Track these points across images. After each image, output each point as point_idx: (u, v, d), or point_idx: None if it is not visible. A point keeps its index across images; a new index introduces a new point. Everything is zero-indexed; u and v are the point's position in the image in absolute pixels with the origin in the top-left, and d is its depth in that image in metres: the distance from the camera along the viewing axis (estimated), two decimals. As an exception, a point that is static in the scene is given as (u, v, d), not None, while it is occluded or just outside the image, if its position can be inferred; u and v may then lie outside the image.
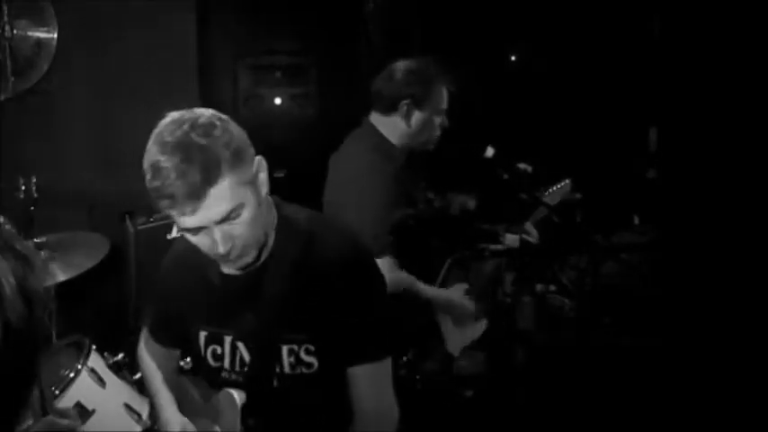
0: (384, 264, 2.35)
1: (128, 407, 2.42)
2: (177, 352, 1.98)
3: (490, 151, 2.97)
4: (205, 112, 1.50)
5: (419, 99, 2.54)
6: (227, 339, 1.70)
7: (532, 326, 4.22)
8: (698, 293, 3.96)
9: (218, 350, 1.72)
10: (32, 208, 3.05)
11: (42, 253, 2.66)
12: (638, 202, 4.60)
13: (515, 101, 4.82)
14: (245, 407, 1.66)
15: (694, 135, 4.09)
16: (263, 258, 1.63)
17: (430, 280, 2.74)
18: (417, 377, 2.52)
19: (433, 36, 4.87)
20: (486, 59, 4.90)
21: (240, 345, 1.70)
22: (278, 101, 4.84)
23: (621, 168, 4.67)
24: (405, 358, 2.52)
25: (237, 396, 1.66)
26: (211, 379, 1.76)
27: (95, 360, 2.47)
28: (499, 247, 2.96)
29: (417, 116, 2.55)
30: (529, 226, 2.96)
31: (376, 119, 2.58)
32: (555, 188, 2.98)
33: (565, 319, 4.31)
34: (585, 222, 4.21)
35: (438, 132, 2.62)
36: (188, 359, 2.06)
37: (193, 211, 1.45)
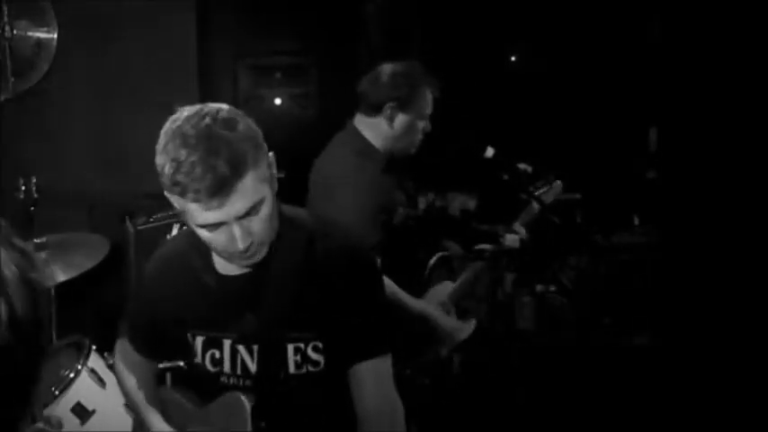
0: None
1: (128, 407, 2.41)
2: (155, 363, 1.93)
3: (490, 151, 2.96)
4: (223, 106, 1.48)
5: (404, 102, 2.54)
6: (227, 343, 1.67)
7: (532, 326, 4.23)
8: (698, 293, 3.96)
9: (217, 354, 1.68)
10: (32, 208, 3.04)
11: (42, 253, 2.66)
12: (638, 202, 4.60)
13: (515, 101, 4.82)
14: (254, 409, 1.64)
15: (694, 135, 4.09)
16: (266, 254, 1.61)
17: (419, 281, 2.75)
18: (407, 372, 2.53)
19: (433, 36, 4.88)
20: (486, 59, 4.91)
21: (241, 347, 1.66)
22: (278, 101, 4.85)
23: (621, 168, 4.67)
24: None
25: (246, 399, 1.63)
26: (209, 384, 1.71)
27: (95, 360, 2.47)
28: (488, 246, 2.94)
29: (401, 119, 2.55)
30: (517, 226, 2.96)
31: (360, 120, 2.60)
32: (544, 189, 2.97)
33: (565, 319, 4.31)
34: (585, 222, 4.21)
35: (420, 137, 2.62)
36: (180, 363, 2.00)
37: (219, 206, 1.42)
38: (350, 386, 1.67)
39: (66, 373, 2.37)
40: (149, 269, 1.81)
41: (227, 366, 1.67)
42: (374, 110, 2.55)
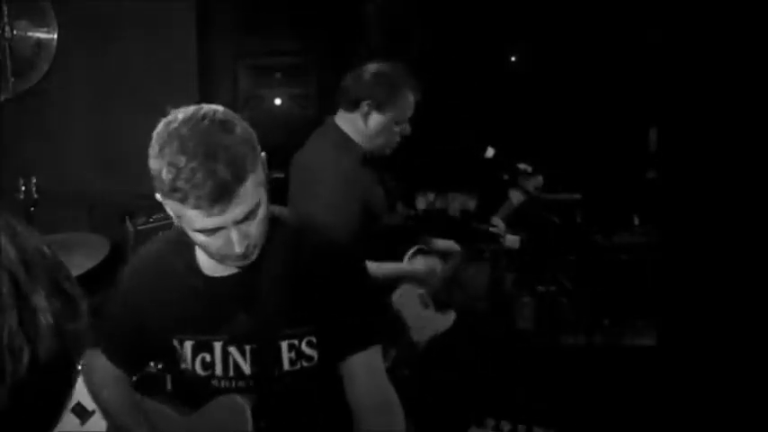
0: None
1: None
2: (131, 376, 1.87)
3: (490, 152, 2.97)
4: (218, 108, 1.46)
5: (381, 102, 2.55)
6: (218, 345, 1.64)
7: (532, 326, 4.23)
8: (698, 294, 3.96)
9: (208, 358, 1.65)
10: (32, 208, 3.05)
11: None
12: (638, 202, 4.60)
13: (515, 101, 4.82)
14: (254, 409, 1.63)
15: (694, 135, 4.09)
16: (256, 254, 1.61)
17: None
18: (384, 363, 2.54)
19: (433, 36, 4.88)
20: (486, 59, 4.91)
21: (232, 349, 1.64)
22: (278, 101, 4.85)
23: (621, 168, 4.67)
24: None
25: (245, 401, 1.62)
26: (199, 389, 1.68)
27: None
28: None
29: (376, 118, 2.56)
30: (496, 220, 2.97)
31: (340, 115, 2.64)
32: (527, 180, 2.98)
33: (564, 320, 4.32)
34: (585, 222, 4.21)
35: (396, 139, 2.64)
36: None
37: (221, 212, 1.41)
38: (342, 379, 1.67)
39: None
40: (127, 277, 1.75)
41: (218, 369, 1.65)
42: (352, 106, 2.58)
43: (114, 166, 3.83)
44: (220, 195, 1.38)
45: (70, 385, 0.70)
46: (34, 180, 3.08)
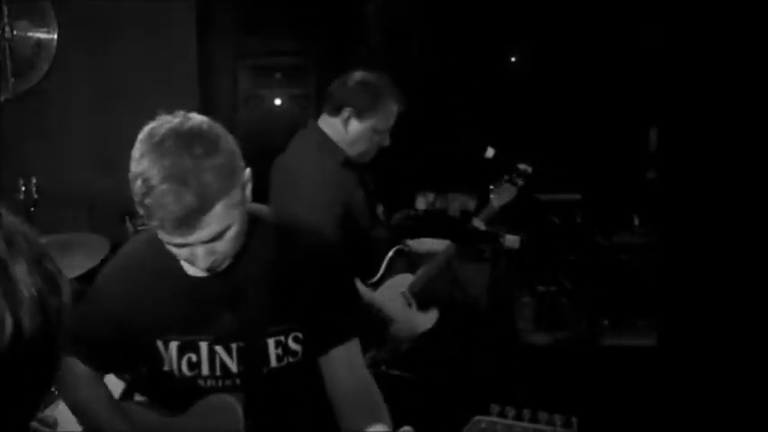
0: None
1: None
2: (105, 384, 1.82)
3: (490, 152, 2.97)
4: (202, 125, 1.44)
5: (361, 110, 2.58)
6: (203, 345, 1.64)
7: (532, 326, 4.23)
8: (698, 294, 3.96)
9: (194, 358, 1.64)
10: (32, 209, 3.05)
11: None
12: (638, 202, 4.60)
13: (515, 101, 4.82)
14: (243, 407, 1.63)
15: (694, 136, 4.09)
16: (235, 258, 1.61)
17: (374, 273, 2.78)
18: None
19: (433, 36, 4.88)
20: (486, 59, 4.91)
21: (218, 348, 1.64)
22: (278, 101, 4.85)
23: (621, 169, 4.67)
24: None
25: (234, 399, 1.63)
26: (184, 390, 1.67)
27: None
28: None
29: (355, 126, 2.59)
30: (477, 221, 2.98)
31: (323, 119, 2.67)
32: (504, 184, 2.98)
33: (564, 320, 4.32)
34: (585, 222, 4.21)
35: (374, 149, 2.67)
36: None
37: (184, 235, 1.43)
38: (323, 371, 1.70)
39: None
40: (106, 279, 1.72)
41: (205, 369, 1.65)
42: (335, 111, 2.61)
43: (114, 166, 3.80)
44: (184, 222, 1.39)
45: (55, 364, 0.71)
46: (34, 180, 3.08)
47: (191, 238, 1.44)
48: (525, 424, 1.37)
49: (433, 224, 4.14)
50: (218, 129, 1.47)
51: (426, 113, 4.40)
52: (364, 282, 2.65)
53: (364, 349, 2.51)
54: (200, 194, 1.38)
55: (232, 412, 1.62)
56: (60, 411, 2.14)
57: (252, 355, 1.64)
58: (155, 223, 1.42)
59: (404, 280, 2.83)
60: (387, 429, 1.58)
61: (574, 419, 1.39)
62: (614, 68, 4.63)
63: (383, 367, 2.66)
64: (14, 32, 3.68)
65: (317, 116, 2.70)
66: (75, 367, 1.72)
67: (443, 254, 2.94)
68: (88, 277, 2.69)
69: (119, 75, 4.04)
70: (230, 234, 1.49)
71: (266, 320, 1.64)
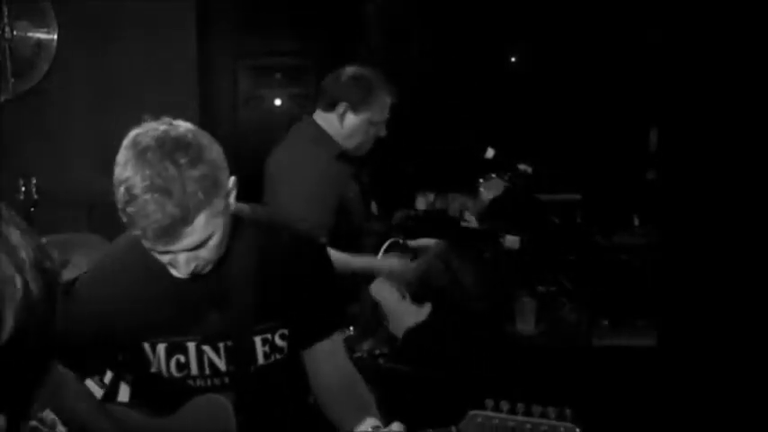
0: None
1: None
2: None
3: (490, 152, 2.99)
4: (187, 134, 1.44)
5: (356, 104, 2.63)
6: (191, 345, 1.65)
7: (532, 326, 4.22)
8: (698, 294, 3.96)
9: (182, 359, 1.65)
10: (32, 209, 3.05)
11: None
12: (638, 202, 4.60)
13: (515, 101, 4.82)
14: (233, 406, 1.63)
15: (694, 136, 4.09)
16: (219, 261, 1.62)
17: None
18: (357, 354, 2.56)
19: (433, 36, 4.88)
20: (486, 59, 4.91)
21: (206, 348, 1.65)
22: (278, 101, 4.85)
23: (621, 169, 4.67)
24: (345, 334, 2.56)
25: (225, 398, 1.63)
26: (173, 390, 1.67)
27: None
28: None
29: (351, 119, 2.64)
30: (468, 215, 3.00)
31: (318, 115, 2.71)
32: (492, 177, 3.01)
33: (564, 320, 4.31)
34: (585, 222, 4.21)
35: (370, 141, 2.71)
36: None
37: (166, 244, 1.44)
38: (307, 365, 1.73)
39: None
40: (89, 282, 1.71)
41: (194, 369, 1.66)
42: (329, 106, 2.66)
43: (114, 166, 3.82)
44: (166, 233, 1.40)
45: (54, 323, 0.73)
46: (34, 180, 3.08)
47: (173, 247, 1.45)
48: (520, 417, 1.39)
49: (432, 224, 4.14)
50: (203, 138, 1.47)
51: (426, 113, 4.40)
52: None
53: (360, 339, 2.53)
54: (183, 205, 1.39)
55: (222, 411, 1.62)
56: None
57: (240, 354, 1.66)
58: (137, 232, 1.42)
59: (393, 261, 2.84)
60: (378, 423, 1.59)
61: (567, 411, 1.41)
62: (614, 68, 4.63)
63: (381, 361, 2.67)
64: (14, 33, 3.68)
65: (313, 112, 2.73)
66: (57, 370, 1.68)
67: (434, 248, 2.96)
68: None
69: (119, 75, 4.04)
70: (213, 242, 1.49)
71: (252, 319, 1.65)
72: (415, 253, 2.94)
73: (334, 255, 2.53)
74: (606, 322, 4.25)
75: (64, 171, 3.81)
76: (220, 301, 1.64)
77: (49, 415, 1.84)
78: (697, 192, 4.04)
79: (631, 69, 4.59)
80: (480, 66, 4.86)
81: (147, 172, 1.38)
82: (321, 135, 2.65)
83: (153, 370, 1.66)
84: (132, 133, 1.44)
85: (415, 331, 2.82)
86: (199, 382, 1.67)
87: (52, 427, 1.85)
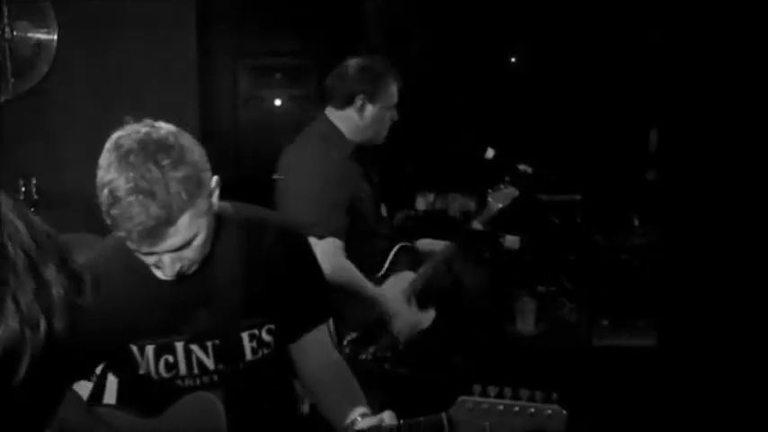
0: (328, 246, 2.43)
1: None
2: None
3: (490, 153, 2.98)
4: (169, 136, 1.44)
5: (371, 94, 2.64)
6: (179, 345, 1.65)
7: (532, 326, 4.23)
8: (698, 295, 3.96)
9: (171, 359, 1.65)
10: (32, 209, 3.05)
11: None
12: (638, 203, 4.60)
13: (515, 101, 4.82)
14: (223, 403, 1.63)
15: (694, 136, 4.09)
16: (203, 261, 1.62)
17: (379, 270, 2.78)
18: (362, 357, 2.57)
19: (433, 36, 4.88)
20: (486, 59, 4.91)
21: (194, 347, 1.66)
22: (278, 102, 4.85)
23: (621, 169, 4.67)
24: (350, 337, 2.56)
25: (214, 396, 1.64)
26: (162, 391, 1.67)
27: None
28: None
29: (370, 110, 2.65)
30: (476, 223, 3.00)
31: (331, 113, 2.70)
32: (501, 188, 3.01)
33: (564, 320, 4.32)
34: (585, 223, 4.21)
35: (387, 126, 2.71)
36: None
37: (150, 246, 1.45)
38: (294, 357, 1.76)
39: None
40: None
41: (183, 369, 1.66)
42: (345, 102, 2.65)
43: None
44: (150, 234, 1.41)
45: (85, 355, 0.76)
46: (34, 181, 3.08)
47: (157, 248, 1.46)
48: (508, 401, 1.42)
49: (433, 224, 4.14)
50: (185, 139, 1.48)
51: (426, 113, 4.40)
52: (368, 277, 2.66)
53: (365, 344, 2.52)
54: (167, 206, 1.40)
55: (212, 409, 1.63)
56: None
57: (228, 351, 1.67)
58: (121, 233, 1.43)
59: (406, 277, 2.84)
60: (365, 409, 1.62)
61: (554, 394, 1.43)
62: (614, 69, 4.63)
63: (387, 366, 2.67)
64: (14, 33, 3.67)
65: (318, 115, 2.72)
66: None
67: (441, 253, 2.96)
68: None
69: (119, 75, 4.04)
70: (197, 242, 1.50)
71: (239, 316, 1.67)
72: (423, 256, 2.94)
73: (346, 264, 2.53)
74: (606, 322, 4.26)
75: (64, 171, 3.80)
76: (207, 301, 1.65)
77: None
78: (697, 192, 4.04)
79: (631, 69, 4.59)
80: (480, 66, 4.86)
81: (131, 174, 1.39)
82: (334, 134, 2.65)
83: (141, 371, 1.67)
84: (114, 136, 1.46)
85: (419, 336, 2.82)
86: (188, 382, 1.68)
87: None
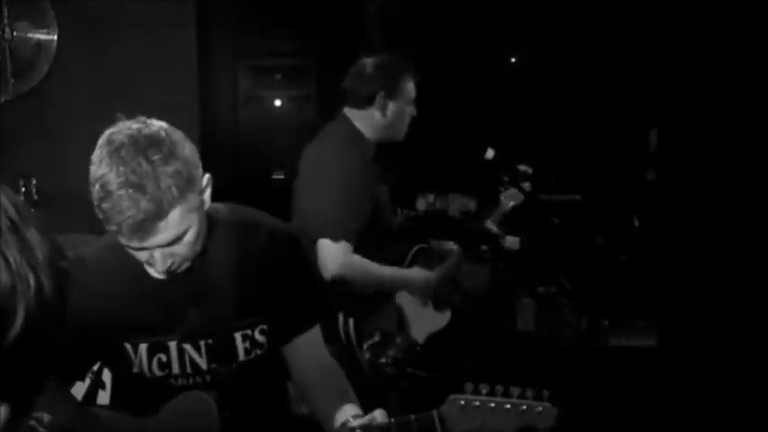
0: (339, 248, 2.43)
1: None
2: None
3: (490, 153, 2.98)
4: (160, 132, 1.46)
5: (391, 90, 2.64)
6: (172, 345, 1.66)
7: (533, 327, 4.23)
8: (697, 295, 3.96)
9: (164, 358, 1.66)
10: (32, 209, 3.04)
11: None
12: (638, 203, 4.60)
13: (515, 101, 4.82)
14: (216, 402, 1.63)
15: (694, 137, 4.09)
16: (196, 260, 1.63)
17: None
18: (382, 360, 2.57)
19: (433, 36, 4.88)
20: (486, 59, 4.91)
21: (187, 346, 1.67)
22: (278, 102, 4.84)
23: (621, 170, 4.67)
24: (371, 341, 2.56)
25: (208, 396, 1.64)
26: (155, 390, 1.67)
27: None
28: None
29: (392, 107, 2.65)
30: (489, 224, 3.00)
31: (351, 113, 2.68)
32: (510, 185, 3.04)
33: (564, 321, 4.31)
34: (585, 223, 4.21)
35: (407, 122, 2.73)
36: None
37: (141, 239, 1.45)
38: (287, 359, 1.77)
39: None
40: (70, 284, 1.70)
41: (176, 368, 1.67)
42: (365, 102, 2.64)
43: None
44: (141, 227, 1.42)
45: (63, 323, 0.75)
46: (34, 181, 3.08)
47: (148, 243, 1.46)
48: (499, 399, 1.43)
49: (433, 225, 4.14)
50: (177, 135, 1.49)
51: (426, 113, 4.39)
52: None
53: (385, 348, 2.52)
54: (157, 200, 1.41)
55: (205, 408, 1.63)
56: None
57: (220, 351, 1.68)
58: (112, 227, 1.44)
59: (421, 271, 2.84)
60: (356, 409, 1.63)
61: (545, 392, 1.44)
62: (614, 69, 4.63)
63: (409, 369, 2.67)
64: (14, 33, 3.67)
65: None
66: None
67: (456, 255, 2.96)
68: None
69: (119, 75, 4.04)
70: (188, 238, 1.51)
71: (232, 316, 1.67)
72: (440, 257, 2.94)
73: (355, 258, 2.53)
74: (606, 322, 4.26)
75: (64, 171, 3.79)
76: (199, 300, 1.66)
77: (45, 416, 1.82)
78: (697, 192, 4.04)
79: (631, 69, 4.59)
80: (480, 66, 4.86)
81: (122, 169, 1.41)
82: (355, 135, 2.64)
83: (135, 370, 1.67)
84: (107, 132, 1.48)
85: (436, 337, 2.83)
86: (181, 381, 1.68)
87: (48, 427, 1.83)
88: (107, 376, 1.99)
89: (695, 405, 3.44)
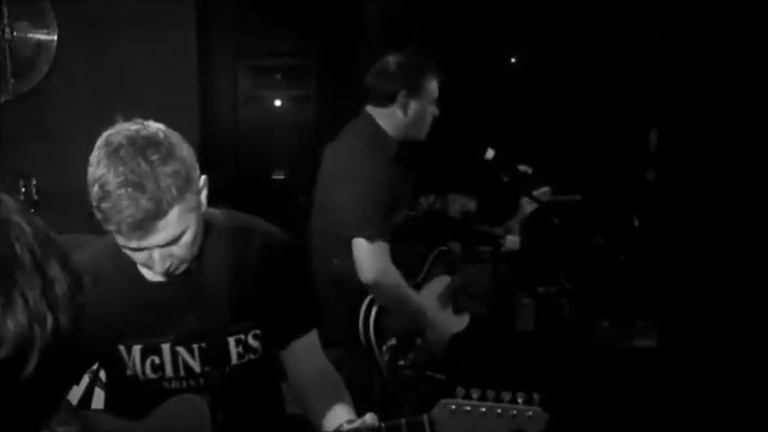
0: (377, 249, 2.42)
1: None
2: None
3: (490, 153, 2.98)
4: (158, 133, 1.48)
5: (414, 89, 2.63)
6: (166, 347, 1.67)
7: (532, 327, 4.23)
8: (697, 295, 3.96)
9: (157, 360, 1.67)
10: (32, 210, 3.04)
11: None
12: (638, 203, 4.60)
13: (515, 101, 4.82)
14: (209, 406, 1.64)
15: (694, 137, 4.10)
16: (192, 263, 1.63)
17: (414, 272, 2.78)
18: (401, 363, 2.56)
19: (433, 37, 4.88)
20: (487, 60, 4.91)
21: (180, 349, 1.68)
22: (278, 102, 4.85)
23: (621, 170, 4.67)
24: (389, 343, 2.55)
25: (201, 398, 1.65)
26: (148, 392, 1.68)
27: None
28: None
29: (413, 106, 2.64)
30: (512, 225, 3.01)
31: (373, 111, 2.66)
32: (541, 191, 3.05)
33: (564, 321, 4.31)
34: (585, 223, 4.21)
35: (429, 122, 2.71)
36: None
37: (141, 238, 1.46)
38: (284, 363, 1.78)
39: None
40: None
41: (169, 370, 1.68)
42: (387, 100, 2.63)
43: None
44: (140, 227, 1.43)
45: (81, 354, 0.79)
46: (34, 181, 3.08)
47: (146, 243, 1.47)
48: (490, 403, 1.44)
49: (433, 225, 4.13)
50: (174, 137, 1.51)
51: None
52: (407, 281, 2.64)
53: (403, 351, 2.51)
54: (157, 199, 1.42)
55: (198, 412, 1.64)
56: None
57: (213, 355, 1.69)
58: (111, 227, 1.45)
59: (443, 282, 2.83)
60: (348, 410, 1.65)
61: (535, 396, 1.44)
62: (614, 69, 4.63)
63: (429, 373, 2.67)
64: (14, 33, 3.68)
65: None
66: None
67: (484, 259, 2.97)
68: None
69: (119, 75, 4.04)
70: (186, 239, 1.52)
71: (226, 320, 1.68)
72: (458, 260, 2.94)
73: (392, 270, 2.49)
74: (606, 322, 4.25)
75: (64, 171, 3.79)
76: (193, 304, 1.67)
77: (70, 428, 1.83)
78: (697, 192, 4.04)
79: (631, 69, 4.59)
80: (480, 66, 4.85)
81: (120, 169, 1.42)
82: (379, 134, 2.62)
83: (129, 372, 1.68)
84: (105, 133, 1.49)
85: (456, 340, 2.82)
86: (174, 384, 1.69)
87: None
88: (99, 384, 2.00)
89: (695, 405, 3.44)
